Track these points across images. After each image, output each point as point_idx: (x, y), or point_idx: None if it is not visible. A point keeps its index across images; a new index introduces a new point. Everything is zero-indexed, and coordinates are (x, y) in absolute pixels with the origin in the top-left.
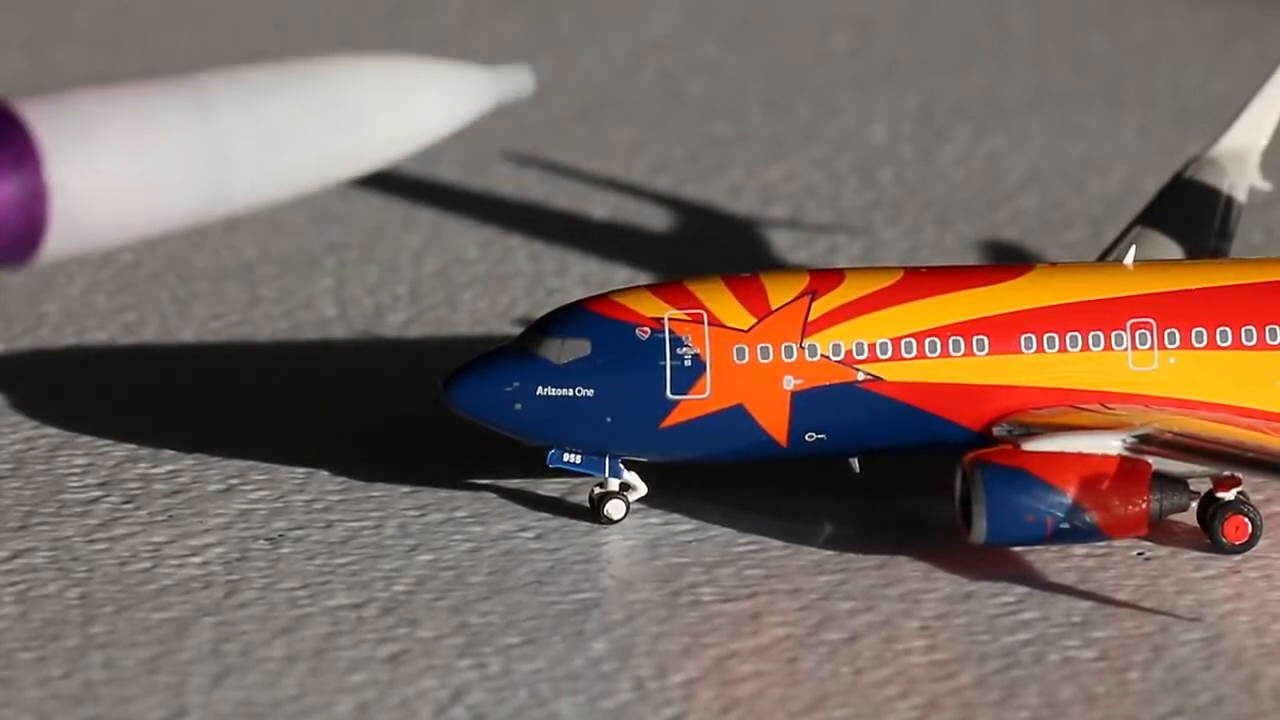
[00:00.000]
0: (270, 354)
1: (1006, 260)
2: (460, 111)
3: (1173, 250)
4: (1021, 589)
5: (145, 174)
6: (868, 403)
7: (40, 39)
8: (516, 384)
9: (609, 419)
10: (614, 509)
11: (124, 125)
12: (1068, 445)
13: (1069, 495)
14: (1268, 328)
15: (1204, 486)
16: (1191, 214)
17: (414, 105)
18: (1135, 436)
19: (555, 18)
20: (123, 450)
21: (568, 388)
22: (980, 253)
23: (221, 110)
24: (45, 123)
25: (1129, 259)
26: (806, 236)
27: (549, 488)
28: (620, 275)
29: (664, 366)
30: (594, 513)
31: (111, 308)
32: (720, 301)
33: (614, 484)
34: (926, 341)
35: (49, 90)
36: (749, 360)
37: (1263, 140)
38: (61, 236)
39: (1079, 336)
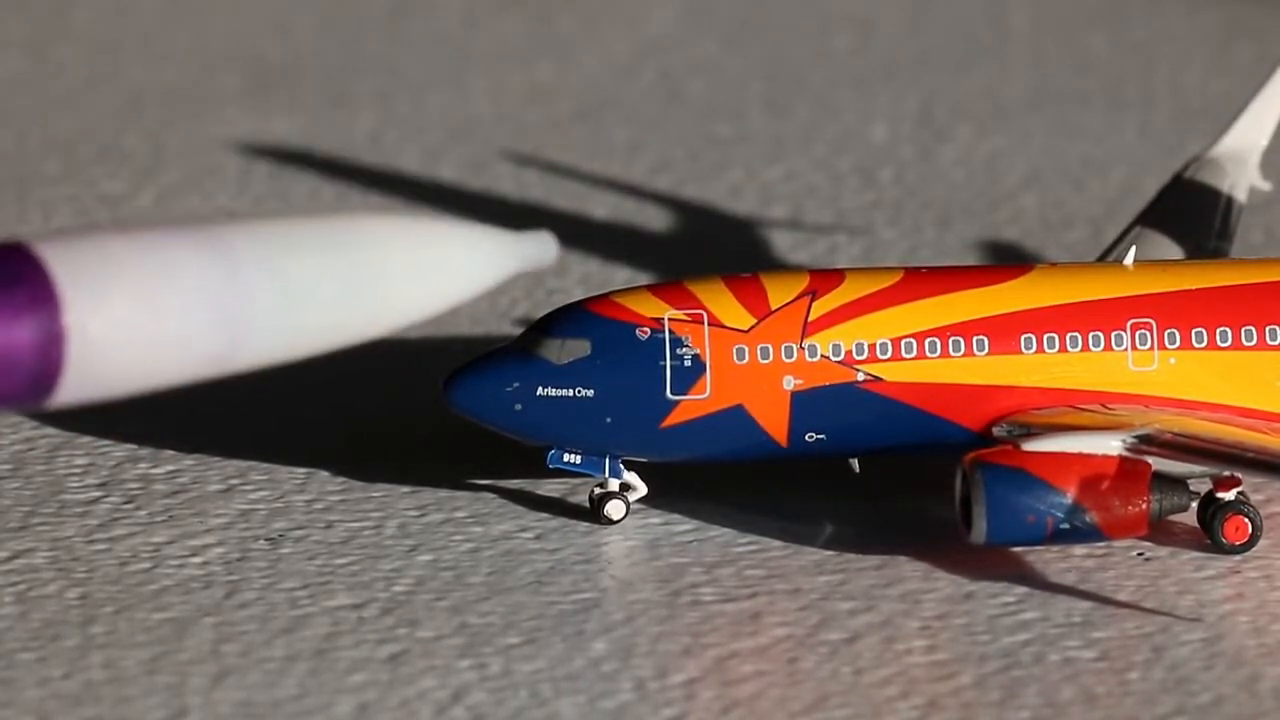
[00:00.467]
0: None
1: (1006, 260)
2: (483, 276)
3: (1173, 250)
4: (1022, 589)
5: (162, 323)
6: (868, 403)
7: (40, 39)
8: (516, 384)
9: (609, 419)
10: (614, 509)
11: (144, 271)
12: (1068, 445)
13: (1069, 495)
14: (1268, 328)
15: (1204, 487)
16: (1191, 214)
17: (437, 268)
18: (1135, 437)
19: (555, 18)
20: (123, 450)
21: (568, 388)
22: (980, 253)
23: (242, 263)
24: (64, 265)
25: (1129, 259)
26: (806, 237)
27: (549, 488)
28: (620, 275)
29: (664, 367)
30: (594, 513)
31: None
32: (720, 302)
33: (614, 484)
34: (926, 342)
35: (69, 233)
36: (749, 360)
37: (1263, 140)
38: (76, 381)
39: (1079, 337)
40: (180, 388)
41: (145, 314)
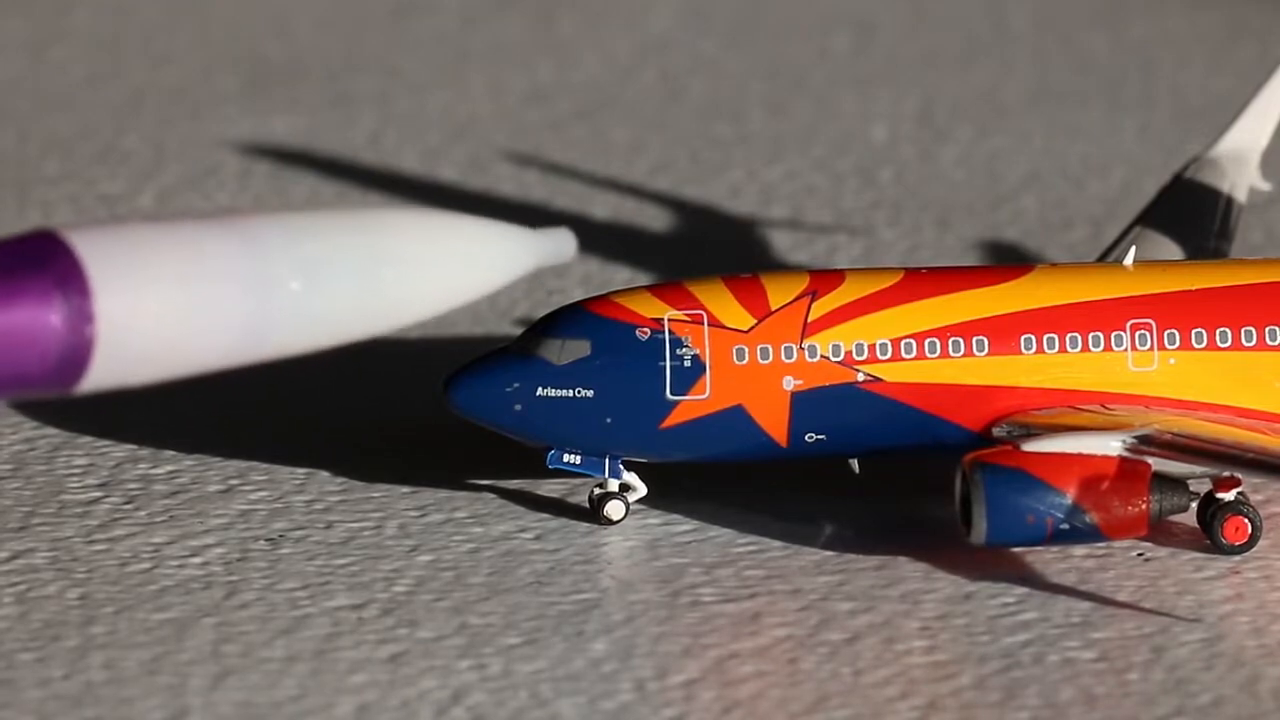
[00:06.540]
0: None
1: (1007, 261)
2: (503, 271)
3: (1173, 251)
4: (1021, 590)
5: (190, 307)
6: (868, 403)
7: (40, 39)
8: (516, 385)
9: (609, 420)
10: (614, 510)
11: (171, 257)
12: (1068, 446)
13: (1069, 496)
14: (1267, 328)
15: (1204, 487)
16: (1191, 214)
17: (458, 262)
18: (1135, 437)
19: (555, 18)
20: (123, 451)
21: (568, 388)
22: (981, 253)
23: (269, 251)
24: (92, 249)
25: (1129, 259)
26: (807, 237)
27: (549, 488)
28: (620, 275)
29: (664, 367)
30: (594, 513)
31: None
32: (720, 302)
33: (614, 485)
34: (926, 342)
35: (97, 222)
36: (749, 361)
37: (1263, 140)
38: (105, 365)
39: (1079, 337)
40: (178, 388)
41: (173, 298)
